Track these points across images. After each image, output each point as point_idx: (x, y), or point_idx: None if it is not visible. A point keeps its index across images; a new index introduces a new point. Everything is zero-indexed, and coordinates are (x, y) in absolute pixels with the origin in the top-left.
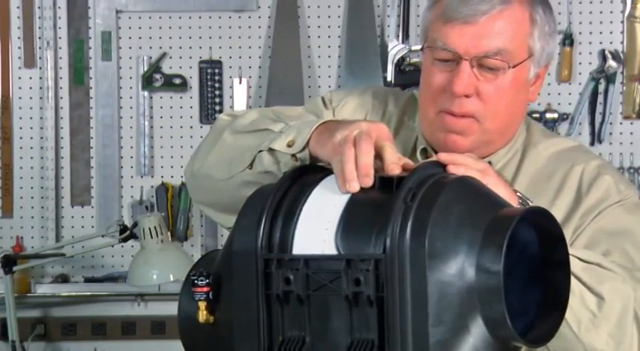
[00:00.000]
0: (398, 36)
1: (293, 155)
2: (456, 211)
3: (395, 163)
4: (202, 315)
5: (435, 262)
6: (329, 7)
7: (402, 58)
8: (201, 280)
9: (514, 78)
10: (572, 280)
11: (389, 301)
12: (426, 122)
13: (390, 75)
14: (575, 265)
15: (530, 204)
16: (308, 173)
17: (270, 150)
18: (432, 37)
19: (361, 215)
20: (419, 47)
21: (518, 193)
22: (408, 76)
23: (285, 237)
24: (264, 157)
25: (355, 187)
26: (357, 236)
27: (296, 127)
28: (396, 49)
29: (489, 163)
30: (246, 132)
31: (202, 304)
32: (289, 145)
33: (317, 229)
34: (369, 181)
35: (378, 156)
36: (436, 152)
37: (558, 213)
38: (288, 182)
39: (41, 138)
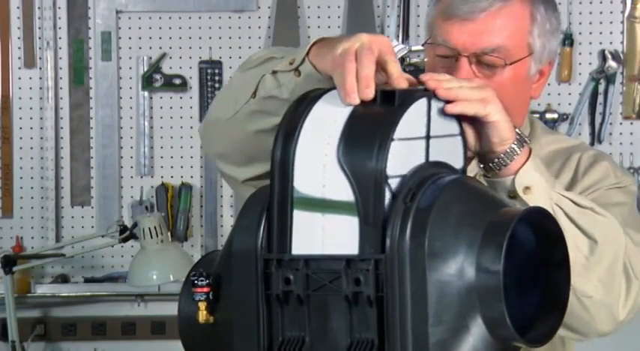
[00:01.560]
0: (398, 36)
1: (295, 70)
2: (455, 211)
3: (401, 76)
4: (202, 315)
5: (434, 262)
6: (329, 7)
7: (402, 59)
8: (201, 281)
9: (513, 75)
10: (566, 222)
11: (389, 301)
12: None
13: None
14: (568, 208)
15: (528, 142)
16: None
17: (273, 73)
18: (434, 33)
19: (363, 129)
20: (419, 47)
21: (517, 130)
22: None
23: (287, 154)
24: (266, 80)
25: (356, 100)
26: (359, 150)
27: (296, 49)
28: (395, 49)
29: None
30: (252, 67)
31: (202, 305)
32: (290, 63)
33: (318, 143)
34: (369, 94)
35: (381, 70)
36: None
37: None
38: None
39: (41, 138)
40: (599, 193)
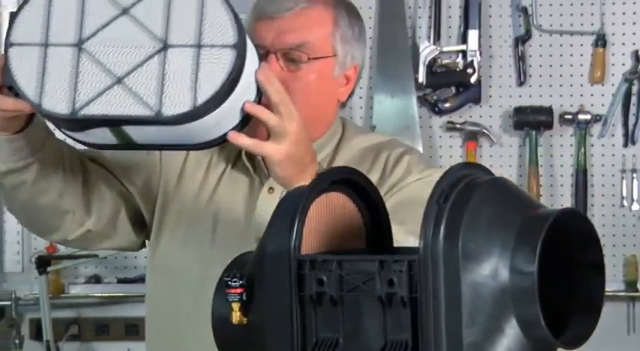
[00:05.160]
0: (429, 37)
1: None
2: (489, 212)
3: None
4: (236, 316)
5: (468, 263)
6: (360, 8)
7: (434, 60)
8: (235, 282)
9: (318, 73)
10: None
11: (422, 302)
12: None
13: (421, 76)
14: None
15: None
16: None
17: None
18: (249, 35)
19: None
20: (451, 48)
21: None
22: (439, 77)
23: None
24: None
25: None
26: None
27: None
28: (427, 50)
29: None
30: None
31: (236, 306)
32: None
33: None
34: None
35: None
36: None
37: None
38: (322, 183)
39: None
40: (405, 190)
